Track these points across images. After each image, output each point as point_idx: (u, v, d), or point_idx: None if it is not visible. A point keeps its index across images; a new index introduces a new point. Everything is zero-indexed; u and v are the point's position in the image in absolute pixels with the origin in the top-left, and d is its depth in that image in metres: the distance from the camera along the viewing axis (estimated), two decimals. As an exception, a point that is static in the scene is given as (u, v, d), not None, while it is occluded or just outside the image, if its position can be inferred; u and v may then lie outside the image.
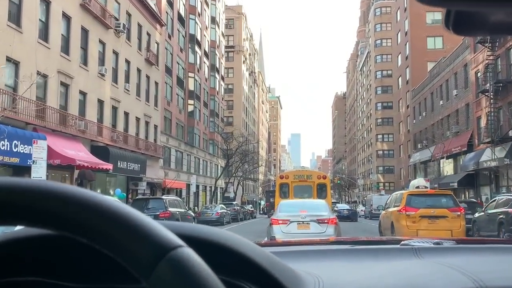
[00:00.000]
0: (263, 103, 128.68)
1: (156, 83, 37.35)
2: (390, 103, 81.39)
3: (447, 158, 39.73)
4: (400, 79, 64.22)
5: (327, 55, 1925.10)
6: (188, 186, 47.95)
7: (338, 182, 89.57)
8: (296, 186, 20.88)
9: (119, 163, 27.32)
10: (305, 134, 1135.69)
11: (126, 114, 31.22)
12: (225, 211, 34.87)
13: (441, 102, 44.30)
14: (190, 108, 49.55)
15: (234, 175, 57.39)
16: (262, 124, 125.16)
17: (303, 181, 21.03)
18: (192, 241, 0.59)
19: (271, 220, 11.61)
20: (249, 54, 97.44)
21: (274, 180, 57.79)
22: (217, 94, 61.93)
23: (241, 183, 63.80)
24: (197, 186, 52.58)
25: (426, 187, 17.06)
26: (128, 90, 31.15)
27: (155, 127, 37.13)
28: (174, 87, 42.58)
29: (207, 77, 56.54)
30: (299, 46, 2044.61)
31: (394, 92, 77.27)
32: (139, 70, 33.57)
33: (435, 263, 1.07)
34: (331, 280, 0.90)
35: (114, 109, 29.44)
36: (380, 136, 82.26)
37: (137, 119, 33.30)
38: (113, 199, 0.59)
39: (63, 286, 0.75)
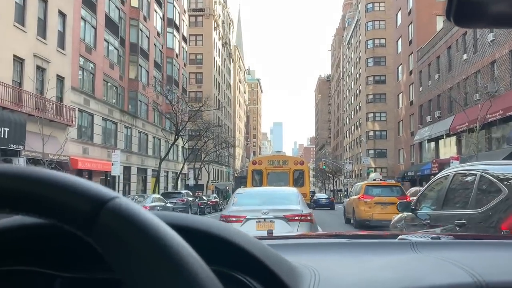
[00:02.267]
0: (240, 82, 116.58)
1: (63, 14, 25.19)
2: (383, 77, 71.43)
3: (470, 131, 28.58)
4: (400, 41, 52.97)
5: (310, 45, 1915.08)
6: (128, 169, 36.04)
7: (324, 167, 78.46)
8: (270, 173, 19.27)
9: None
10: (288, 123, 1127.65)
11: (-11, 47, 19.16)
12: (162, 203, 23.36)
13: (464, 57, 33.19)
14: (133, 66, 37.52)
15: (193, 157, 45.56)
16: (239, 105, 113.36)
17: (278, 167, 19.43)
18: (183, 231, 0.57)
19: (222, 217, 8.26)
20: (223, 22, 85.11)
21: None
22: (177, 57, 49.83)
23: (206, 167, 51.88)
24: (145, 170, 40.71)
25: (381, 179, 21.01)
26: (-7, 8, 19.09)
27: (61, 79, 25.03)
28: (101, 29, 30.39)
29: (160, 31, 44.36)
30: (280, 36, 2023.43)
31: (388, 63, 67.42)
32: (21, -16, 21.46)
33: (433, 257, 1.06)
34: (327, 273, 0.89)
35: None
36: (371, 115, 72.66)
37: (18, 60, 21.19)
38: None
39: (52, 275, 0.73)
